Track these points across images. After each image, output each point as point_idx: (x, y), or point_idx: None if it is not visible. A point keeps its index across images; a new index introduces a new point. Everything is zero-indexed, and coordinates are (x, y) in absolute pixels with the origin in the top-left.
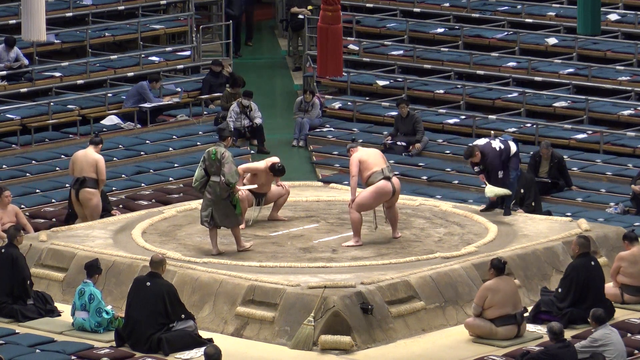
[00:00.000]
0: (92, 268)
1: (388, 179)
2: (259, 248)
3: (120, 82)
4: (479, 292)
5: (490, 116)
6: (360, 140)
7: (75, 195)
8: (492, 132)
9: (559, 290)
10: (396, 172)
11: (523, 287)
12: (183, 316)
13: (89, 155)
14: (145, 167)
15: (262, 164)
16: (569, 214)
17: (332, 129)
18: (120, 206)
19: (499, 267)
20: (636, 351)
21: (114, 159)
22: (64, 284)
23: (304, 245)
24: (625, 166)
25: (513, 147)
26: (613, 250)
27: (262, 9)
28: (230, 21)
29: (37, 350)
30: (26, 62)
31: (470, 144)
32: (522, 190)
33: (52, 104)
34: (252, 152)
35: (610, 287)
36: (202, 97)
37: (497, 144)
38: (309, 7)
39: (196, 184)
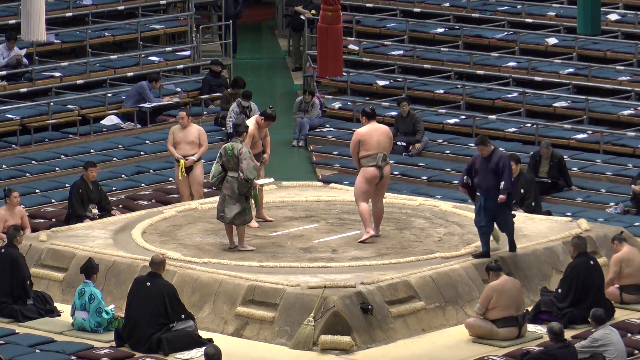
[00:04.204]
0: (89, 269)
1: (379, 168)
2: (259, 248)
3: (120, 82)
4: (484, 292)
5: (490, 116)
6: None
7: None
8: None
9: (559, 290)
10: (391, 161)
11: (523, 287)
12: (183, 316)
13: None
14: (145, 167)
15: (251, 123)
16: (569, 214)
17: (332, 129)
18: (120, 206)
19: (494, 267)
20: (636, 351)
21: (114, 159)
22: (64, 284)
23: (304, 245)
24: (625, 166)
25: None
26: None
27: (262, 9)
28: (230, 21)
29: (37, 350)
30: (26, 61)
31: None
32: (522, 190)
33: (52, 104)
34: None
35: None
36: (202, 97)
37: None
38: (312, 12)
39: (213, 180)
